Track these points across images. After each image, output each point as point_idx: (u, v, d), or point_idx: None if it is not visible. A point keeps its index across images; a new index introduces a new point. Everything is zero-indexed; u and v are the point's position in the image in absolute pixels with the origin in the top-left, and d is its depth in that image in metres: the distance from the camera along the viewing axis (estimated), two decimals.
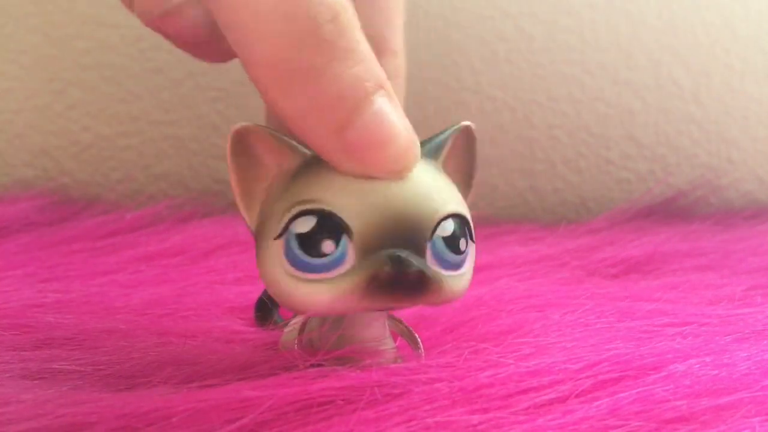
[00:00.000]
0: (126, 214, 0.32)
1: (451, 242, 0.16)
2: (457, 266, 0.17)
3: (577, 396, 0.18)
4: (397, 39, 0.20)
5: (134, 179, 0.37)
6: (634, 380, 0.18)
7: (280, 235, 0.16)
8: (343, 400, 0.16)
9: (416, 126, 0.19)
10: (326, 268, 0.16)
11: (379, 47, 0.20)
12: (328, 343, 0.18)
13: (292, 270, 0.16)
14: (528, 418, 0.16)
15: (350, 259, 0.16)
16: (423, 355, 0.19)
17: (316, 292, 0.16)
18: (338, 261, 0.16)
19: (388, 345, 0.18)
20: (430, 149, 0.18)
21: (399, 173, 0.16)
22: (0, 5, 0.36)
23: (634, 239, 0.32)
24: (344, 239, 0.16)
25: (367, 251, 0.16)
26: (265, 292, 0.23)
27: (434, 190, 0.16)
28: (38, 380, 0.18)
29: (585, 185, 0.40)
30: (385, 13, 0.20)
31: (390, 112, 0.16)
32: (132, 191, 0.37)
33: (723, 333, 0.22)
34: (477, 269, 0.29)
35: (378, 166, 0.16)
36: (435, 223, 0.16)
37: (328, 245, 0.16)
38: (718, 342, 0.21)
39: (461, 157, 0.19)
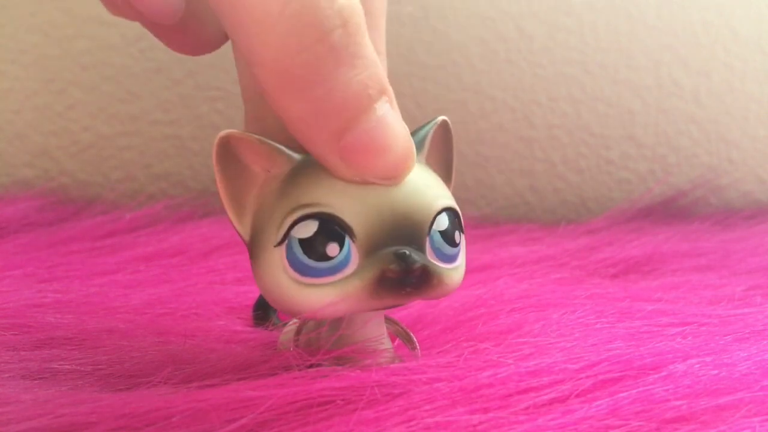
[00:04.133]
0: (125, 214, 0.32)
1: (447, 235, 0.17)
2: (453, 259, 0.17)
3: (577, 396, 0.18)
4: (382, 41, 0.20)
5: (134, 179, 0.37)
6: (634, 380, 0.18)
7: (281, 242, 0.16)
8: (343, 400, 0.16)
9: (417, 126, 0.19)
10: (332, 271, 0.16)
11: None
12: (327, 343, 0.18)
13: (296, 276, 0.16)
14: (528, 418, 0.16)
15: (355, 261, 0.16)
16: (420, 355, 0.19)
17: (324, 296, 0.16)
18: (344, 263, 0.16)
19: (386, 345, 0.18)
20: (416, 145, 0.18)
21: (394, 179, 0.16)
22: (0, 5, 0.36)
23: (634, 239, 0.32)
24: (348, 241, 0.16)
25: (370, 251, 0.16)
26: None
27: (426, 186, 0.17)
28: (38, 380, 0.18)
29: (585, 185, 0.40)
30: (370, 17, 0.19)
31: (391, 119, 0.16)
32: (132, 191, 0.37)
33: (723, 333, 0.22)
34: (477, 269, 0.29)
35: (376, 172, 0.16)
36: (431, 218, 0.16)
37: (332, 248, 0.16)
38: (718, 342, 0.21)
39: (440, 151, 0.19)
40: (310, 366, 0.17)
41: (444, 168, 0.19)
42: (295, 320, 0.19)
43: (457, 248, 0.17)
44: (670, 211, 0.38)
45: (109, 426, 0.15)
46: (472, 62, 0.38)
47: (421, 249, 0.16)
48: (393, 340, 0.20)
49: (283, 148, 0.17)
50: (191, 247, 0.29)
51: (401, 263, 0.16)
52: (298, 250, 0.16)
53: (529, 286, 0.26)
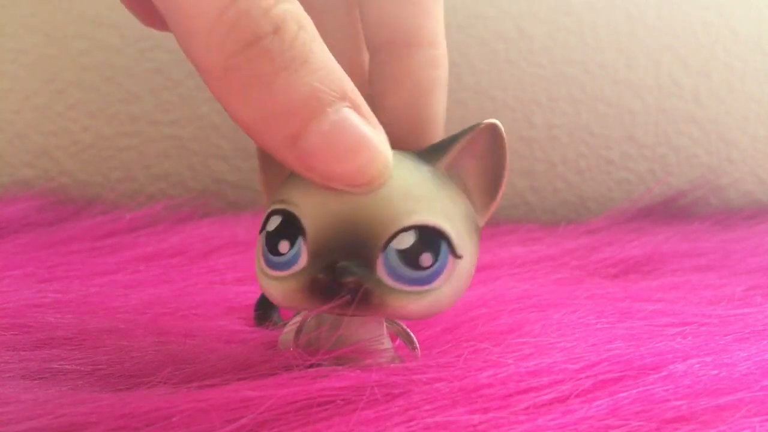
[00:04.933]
0: (125, 215, 0.32)
1: (408, 256, 0.16)
2: (421, 282, 0.16)
3: (577, 396, 0.18)
4: (433, 29, 0.19)
5: (134, 179, 0.37)
6: (634, 380, 0.18)
7: (260, 231, 0.17)
8: (343, 400, 0.16)
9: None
10: (282, 266, 0.16)
11: (412, 40, 0.19)
12: (327, 343, 0.17)
13: (263, 265, 0.17)
14: (528, 418, 0.16)
15: (302, 261, 0.16)
16: (420, 355, 0.19)
17: (273, 288, 0.16)
18: (292, 261, 0.16)
19: (386, 345, 0.18)
20: (427, 154, 0.17)
21: (363, 187, 0.16)
22: (0, 5, 0.36)
23: (634, 239, 0.32)
24: (299, 240, 0.16)
25: (317, 255, 0.16)
26: None
27: (402, 199, 0.16)
28: (38, 380, 0.18)
29: (585, 185, 0.40)
30: (421, 3, 0.19)
31: (354, 124, 0.15)
32: (132, 191, 0.37)
33: (723, 333, 0.22)
34: (477, 269, 0.29)
35: (337, 179, 0.15)
36: (390, 235, 0.16)
37: (284, 245, 0.16)
38: (718, 342, 0.21)
39: (485, 158, 0.17)
40: (310, 366, 0.17)
41: (488, 180, 0.17)
42: (295, 320, 0.19)
43: (426, 272, 0.16)
44: (670, 211, 0.38)
45: (109, 426, 0.15)
46: (472, 62, 0.38)
47: (368, 264, 0.15)
48: (393, 340, 0.19)
49: None
50: (191, 247, 0.29)
51: (329, 274, 0.15)
52: (264, 242, 0.16)
53: (530, 286, 0.26)
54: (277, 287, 0.16)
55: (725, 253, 0.32)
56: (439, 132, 0.20)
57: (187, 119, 0.37)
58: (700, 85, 0.39)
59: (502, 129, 0.17)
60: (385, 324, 0.19)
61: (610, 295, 0.26)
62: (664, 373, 0.18)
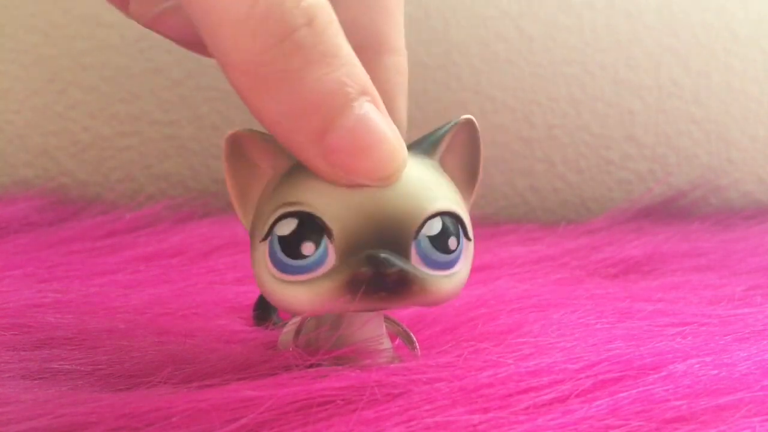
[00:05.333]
0: (125, 214, 0.32)
1: (439, 241, 0.16)
2: (447, 266, 0.16)
3: (576, 396, 0.17)
4: (398, 37, 0.20)
5: (134, 179, 0.37)
6: (634, 380, 0.18)
7: (265, 238, 0.16)
8: (342, 400, 0.16)
9: (416, 126, 0.18)
10: (307, 269, 0.16)
11: (379, 46, 0.19)
12: (327, 343, 0.17)
13: (275, 272, 0.16)
14: (528, 418, 0.16)
15: (331, 261, 0.16)
16: (419, 354, 0.19)
17: (298, 294, 0.16)
18: (319, 262, 0.16)
19: (385, 345, 0.18)
20: (425, 146, 0.18)
21: (384, 180, 0.16)
22: (0, 5, 0.36)
23: (634, 239, 0.32)
24: (324, 240, 0.16)
25: (348, 253, 0.15)
26: None
27: (422, 189, 0.16)
28: (38, 380, 0.18)
29: (585, 185, 0.40)
30: (385, 12, 0.20)
31: (375, 119, 0.15)
32: (132, 191, 0.37)
33: (723, 333, 0.22)
34: (476, 269, 0.29)
35: (361, 173, 0.15)
36: (420, 223, 0.16)
37: (307, 247, 0.16)
38: (718, 342, 0.21)
39: (463, 153, 0.18)
40: (310, 366, 0.17)
41: (467, 172, 0.18)
42: (294, 320, 0.19)
43: (453, 255, 0.16)
44: (670, 211, 0.38)
45: (109, 426, 0.15)
46: (472, 62, 0.38)
47: (403, 253, 0.16)
48: (393, 340, 0.19)
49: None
50: (191, 247, 0.29)
51: (373, 266, 0.15)
52: (278, 247, 0.16)
53: (530, 286, 0.26)
54: (305, 291, 0.16)
55: (725, 253, 0.32)
56: (403, 137, 0.20)
57: (187, 119, 0.37)
58: (700, 86, 0.39)
59: (477, 124, 0.18)
60: (384, 324, 0.19)
61: (610, 295, 0.26)
62: (664, 373, 0.18)
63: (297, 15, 0.15)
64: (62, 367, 0.19)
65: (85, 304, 0.23)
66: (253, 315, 0.23)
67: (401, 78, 0.20)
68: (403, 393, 0.17)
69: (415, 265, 0.16)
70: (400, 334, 0.20)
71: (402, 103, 0.20)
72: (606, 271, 0.30)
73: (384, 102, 0.19)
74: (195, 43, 0.20)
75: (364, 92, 0.15)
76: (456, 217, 0.16)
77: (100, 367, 0.19)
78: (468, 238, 0.17)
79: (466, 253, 0.17)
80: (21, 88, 0.36)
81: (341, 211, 0.16)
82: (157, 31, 0.20)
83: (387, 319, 0.19)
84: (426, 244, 0.16)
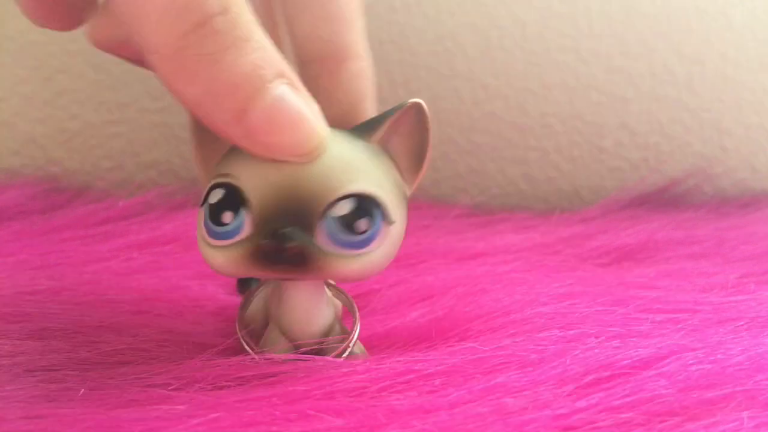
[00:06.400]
0: (118, 202, 0.32)
1: (346, 222, 0.17)
2: (356, 246, 0.17)
3: (567, 389, 0.18)
4: (359, 44, 0.22)
5: (123, 168, 0.37)
6: (626, 374, 0.18)
7: (202, 204, 0.18)
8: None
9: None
10: (225, 236, 0.17)
11: (341, 54, 0.21)
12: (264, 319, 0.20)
13: (205, 236, 0.17)
14: (519, 411, 0.16)
15: (246, 230, 0.17)
16: (359, 322, 0.20)
17: (217, 258, 0.17)
18: (236, 231, 0.17)
19: (327, 317, 0.19)
20: (366, 127, 0.18)
21: (302, 157, 0.17)
22: None
23: (628, 227, 0.32)
24: (242, 211, 0.17)
25: (261, 224, 0.17)
26: None
27: (339, 169, 0.17)
28: (31, 371, 0.18)
29: (578, 173, 0.40)
30: (344, 22, 0.21)
31: (291, 99, 0.16)
32: (121, 180, 0.37)
33: (716, 321, 0.22)
34: (470, 256, 0.29)
35: (279, 150, 0.17)
36: (328, 202, 0.17)
37: (227, 216, 0.17)
38: (711, 333, 0.21)
39: (410, 136, 0.19)
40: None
41: (414, 155, 0.19)
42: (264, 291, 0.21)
43: (363, 236, 0.17)
44: (664, 199, 0.38)
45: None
46: (465, 49, 0.38)
47: (308, 230, 0.17)
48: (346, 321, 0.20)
49: None
50: (184, 234, 0.29)
51: (274, 239, 0.16)
52: (207, 214, 0.17)
53: (523, 274, 0.26)
54: (221, 255, 0.17)
55: (719, 241, 0.32)
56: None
57: (177, 107, 0.37)
58: (694, 74, 0.39)
59: (426, 108, 0.18)
60: (330, 293, 0.20)
61: (604, 283, 0.26)
62: (655, 367, 0.19)
63: (213, 4, 0.16)
64: (55, 360, 0.19)
65: (79, 291, 0.23)
66: (236, 284, 0.25)
67: (366, 82, 0.22)
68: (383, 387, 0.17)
69: (321, 242, 0.17)
70: (344, 302, 0.21)
71: (369, 105, 0.22)
72: (600, 259, 0.30)
73: (351, 106, 0.21)
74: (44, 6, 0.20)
75: (279, 75, 0.16)
76: (373, 200, 0.17)
77: (93, 357, 0.19)
78: (389, 222, 0.17)
79: (385, 236, 0.18)
80: (7, 76, 0.36)
81: (260, 185, 0.17)
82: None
83: (333, 288, 0.21)
84: (332, 224, 0.17)
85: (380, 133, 0.18)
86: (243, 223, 0.17)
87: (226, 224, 0.17)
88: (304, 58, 0.22)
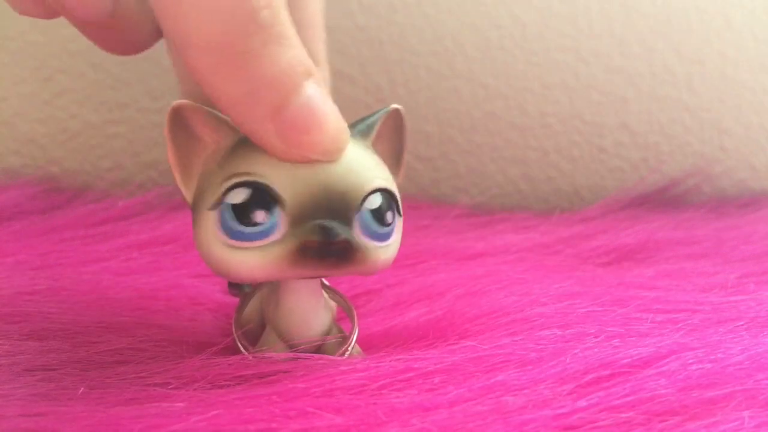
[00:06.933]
0: (118, 202, 0.32)
1: (378, 215, 0.17)
2: (384, 237, 0.18)
3: (568, 388, 0.17)
4: (321, 50, 0.22)
5: (123, 167, 0.37)
6: (626, 373, 0.18)
7: (215, 206, 0.17)
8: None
9: (409, 113, 0.19)
10: (259, 236, 0.17)
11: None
12: (263, 320, 0.19)
13: (226, 239, 0.17)
14: (519, 410, 0.16)
15: (282, 228, 0.17)
16: (357, 323, 0.20)
17: (249, 259, 0.17)
18: (271, 230, 0.17)
19: (324, 319, 0.19)
20: (361, 130, 0.19)
21: (330, 155, 0.17)
22: None
23: (628, 227, 0.32)
24: (276, 209, 0.16)
25: (298, 221, 0.16)
26: None
27: (363, 167, 0.17)
28: (30, 371, 0.18)
29: (578, 173, 0.40)
30: (311, 27, 0.21)
31: (321, 98, 0.16)
32: (121, 180, 0.37)
33: (715, 321, 0.22)
34: (470, 256, 0.29)
35: (311, 148, 0.16)
36: (363, 196, 0.17)
37: (260, 215, 0.17)
38: (711, 332, 0.21)
39: (391, 139, 0.19)
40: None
41: (394, 157, 0.20)
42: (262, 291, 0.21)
43: (389, 228, 0.18)
44: (664, 199, 0.38)
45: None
46: (465, 49, 0.38)
47: (347, 224, 0.17)
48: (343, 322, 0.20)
49: (229, 120, 0.17)
50: (183, 235, 0.29)
51: (322, 235, 0.16)
52: (230, 215, 0.17)
53: (523, 274, 0.26)
54: (253, 257, 0.17)
55: (718, 241, 0.32)
56: None
57: None
58: (694, 73, 0.39)
59: (404, 113, 0.19)
60: (325, 294, 0.20)
61: (604, 283, 0.26)
62: (655, 366, 0.19)
63: None
64: (55, 359, 0.19)
65: (78, 291, 0.23)
66: (228, 285, 0.24)
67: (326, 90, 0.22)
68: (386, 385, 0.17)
69: (357, 235, 0.17)
70: (340, 303, 0.21)
71: None
72: (600, 259, 0.30)
73: None
74: (100, 27, 0.20)
75: (310, 73, 0.16)
76: (391, 194, 0.18)
77: (93, 356, 0.19)
78: (399, 214, 0.18)
79: (398, 228, 0.18)
80: (7, 76, 0.36)
81: (292, 183, 0.17)
82: (61, 12, 0.20)
83: (328, 289, 0.21)
84: (367, 216, 0.17)
85: (374, 135, 0.19)
86: (278, 222, 0.16)
87: (259, 224, 0.16)
88: None
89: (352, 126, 0.19)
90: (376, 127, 0.19)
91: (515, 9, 0.38)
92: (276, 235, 0.16)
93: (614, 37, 0.38)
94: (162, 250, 0.28)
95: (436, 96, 0.38)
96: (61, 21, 0.35)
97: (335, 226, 0.16)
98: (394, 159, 0.20)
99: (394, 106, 0.19)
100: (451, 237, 0.31)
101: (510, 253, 0.29)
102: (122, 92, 0.36)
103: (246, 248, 0.17)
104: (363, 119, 0.19)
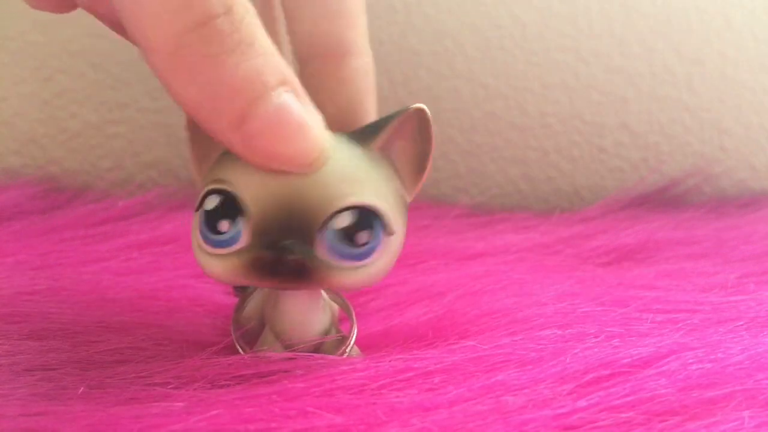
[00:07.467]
0: (118, 202, 0.32)
1: (347, 234, 0.16)
2: (358, 257, 0.17)
3: (568, 388, 0.17)
4: (362, 40, 0.21)
5: (123, 168, 0.37)
6: (626, 373, 0.18)
7: (197, 209, 0.17)
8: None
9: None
10: (222, 244, 0.17)
11: (344, 51, 0.21)
12: (260, 321, 0.19)
13: (201, 242, 0.17)
14: (520, 412, 0.16)
15: (244, 239, 0.16)
16: (356, 323, 0.20)
17: (214, 265, 0.17)
18: (233, 240, 0.16)
19: (323, 324, 0.19)
20: (360, 135, 0.18)
21: (303, 168, 0.16)
22: None
23: (628, 227, 0.32)
24: (240, 220, 0.16)
25: (258, 234, 0.16)
26: None
27: (340, 181, 0.17)
28: (29, 371, 0.18)
29: (578, 173, 0.40)
30: (347, 18, 0.21)
31: (294, 108, 0.16)
32: (121, 180, 0.37)
33: (715, 321, 0.22)
34: (470, 256, 0.29)
35: (279, 160, 0.16)
36: (328, 215, 0.16)
37: (224, 224, 0.17)
38: (711, 332, 0.21)
39: (412, 141, 0.18)
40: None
41: (416, 162, 0.18)
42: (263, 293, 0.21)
43: (363, 249, 0.17)
44: (664, 199, 0.38)
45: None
46: (465, 49, 0.38)
47: (308, 242, 0.16)
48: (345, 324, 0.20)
49: None
50: (183, 235, 0.29)
51: (274, 251, 0.16)
52: (203, 220, 0.17)
53: (523, 275, 0.26)
54: (218, 264, 0.17)
55: (718, 241, 0.32)
56: None
57: (177, 107, 0.37)
58: (694, 73, 0.39)
59: (429, 113, 0.18)
60: (326, 296, 0.20)
61: (604, 283, 0.26)
62: (655, 366, 0.19)
63: (215, 3, 0.15)
64: (55, 359, 0.19)
65: (78, 291, 0.23)
66: (233, 285, 0.24)
67: (368, 78, 0.21)
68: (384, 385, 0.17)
69: (322, 253, 0.16)
70: (341, 305, 0.21)
71: (371, 103, 0.21)
72: (600, 259, 0.30)
73: (353, 103, 0.21)
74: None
75: (283, 82, 0.16)
76: (373, 212, 0.17)
77: (93, 356, 0.19)
78: (389, 233, 0.17)
79: (385, 247, 0.17)
80: (7, 76, 0.36)
81: (259, 194, 0.16)
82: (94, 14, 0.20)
83: (328, 290, 0.20)
84: (333, 236, 0.16)
85: (381, 139, 0.18)
86: (240, 233, 0.16)
87: (223, 233, 0.16)
88: (304, 54, 0.21)
89: (359, 130, 0.18)
90: (388, 129, 0.18)
91: (515, 9, 0.38)
92: (237, 246, 0.16)
93: (614, 37, 0.38)
94: (162, 250, 0.28)
95: (436, 96, 0.38)
96: (62, 21, 0.35)
97: (290, 244, 0.16)
98: (416, 164, 0.18)
99: (418, 105, 0.18)
100: (451, 237, 0.31)
101: (510, 253, 0.29)
102: (122, 92, 0.36)
103: (212, 254, 0.17)
104: (375, 121, 0.18)
